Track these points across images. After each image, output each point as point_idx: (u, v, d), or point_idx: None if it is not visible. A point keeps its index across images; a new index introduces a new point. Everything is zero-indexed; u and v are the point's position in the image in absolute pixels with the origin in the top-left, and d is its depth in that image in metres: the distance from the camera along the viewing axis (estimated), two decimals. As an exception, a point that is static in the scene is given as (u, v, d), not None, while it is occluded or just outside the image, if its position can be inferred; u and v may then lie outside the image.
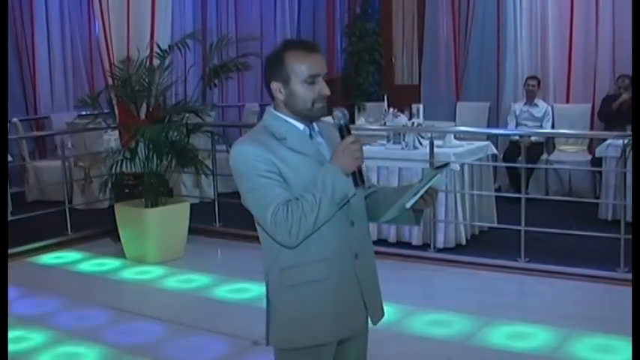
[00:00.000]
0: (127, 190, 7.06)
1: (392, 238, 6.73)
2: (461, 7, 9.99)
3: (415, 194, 2.40)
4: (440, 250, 6.52)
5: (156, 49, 6.90)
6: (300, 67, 2.37)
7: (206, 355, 4.66)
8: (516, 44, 9.27)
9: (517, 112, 8.78)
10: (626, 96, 8.03)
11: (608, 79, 8.81)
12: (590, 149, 8.45)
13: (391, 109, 7.54)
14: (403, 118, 7.27)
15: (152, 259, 6.62)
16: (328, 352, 2.47)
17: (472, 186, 6.80)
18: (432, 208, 6.01)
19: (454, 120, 9.43)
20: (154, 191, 6.68)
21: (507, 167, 8.25)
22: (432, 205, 2.50)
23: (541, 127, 8.61)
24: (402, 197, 2.42)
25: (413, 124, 7.01)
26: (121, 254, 6.84)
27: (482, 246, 6.63)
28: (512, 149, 8.34)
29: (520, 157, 6.84)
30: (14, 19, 9.74)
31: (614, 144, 6.94)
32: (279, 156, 2.34)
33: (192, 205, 7.10)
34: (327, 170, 2.31)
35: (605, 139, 7.35)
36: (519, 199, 6.35)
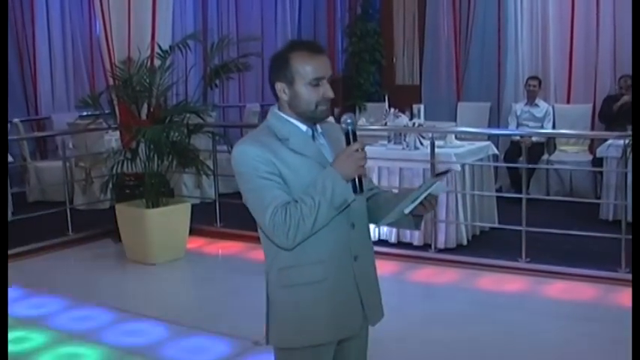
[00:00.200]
0: (127, 191, 7.06)
1: (393, 239, 6.73)
2: (462, 7, 9.99)
3: (414, 200, 2.41)
4: (441, 251, 6.52)
5: (157, 49, 6.90)
6: (305, 68, 2.36)
7: (207, 355, 4.66)
8: (517, 44, 9.27)
9: (518, 113, 8.78)
10: (626, 98, 8.01)
11: (609, 80, 8.81)
12: (591, 149, 8.45)
13: (392, 110, 7.54)
14: (404, 119, 7.27)
15: (153, 259, 6.61)
16: (327, 352, 2.48)
17: (473, 186, 6.80)
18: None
19: (455, 120, 9.43)
20: (155, 192, 6.69)
21: (508, 167, 8.25)
22: (431, 211, 2.51)
23: (542, 127, 8.60)
24: (402, 202, 2.42)
25: (414, 124, 7.01)
26: (121, 255, 6.84)
27: (483, 246, 6.63)
28: (513, 149, 8.34)
29: (521, 158, 6.83)
30: (15, 20, 9.75)
31: (615, 144, 6.93)
32: (280, 157, 2.34)
33: (193, 206, 7.10)
34: (328, 174, 2.31)
35: (606, 140, 7.35)
36: (520, 199, 6.35)
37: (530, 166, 7.42)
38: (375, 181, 6.53)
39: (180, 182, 8.41)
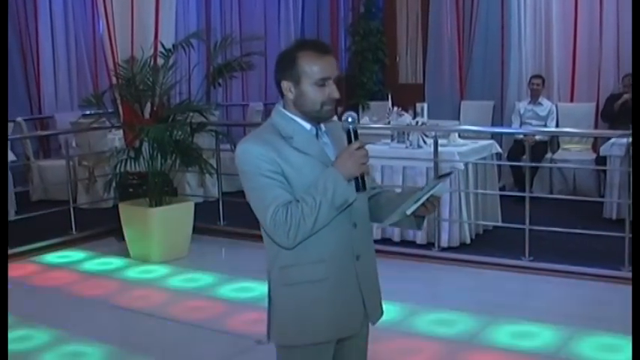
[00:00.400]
0: (131, 190, 7.07)
1: (396, 237, 6.72)
2: (465, 6, 9.97)
3: (417, 201, 2.42)
4: (444, 249, 6.52)
5: (160, 48, 6.90)
6: (312, 68, 2.37)
7: (210, 354, 4.66)
8: (520, 43, 9.25)
9: (521, 111, 8.77)
10: (627, 96, 8.00)
11: (613, 78, 8.80)
12: (595, 148, 8.44)
13: (395, 108, 7.52)
14: (407, 117, 7.26)
15: (156, 258, 6.62)
16: (327, 350, 2.49)
17: (476, 185, 6.79)
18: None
19: (458, 119, 9.41)
20: (158, 190, 6.69)
21: (512, 166, 8.24)
22: (433, 212, 2.52)
23: (545, 125, 8.59)
24: (404, 203, 2.43)
25: (417, 123, 7.00)
26: (125, 253, 6.85)
27: (487, 245, 6.62)
28: (516, 148, 8.33)
29: (524, 156, 6.83)
30: (18, 18, 9.75)
31: (619, 143, 6.92)
32: (283, 156, 2.35)
33: (196, 205, 7.11)
34: (330, 174, 2.32)
35: (609, 138, 7.33)
36: (524, 197, 6.35)
37: (533, 164, 7.41)
38: (378, 179, 6.54)
39: (183, 181, 8.42)
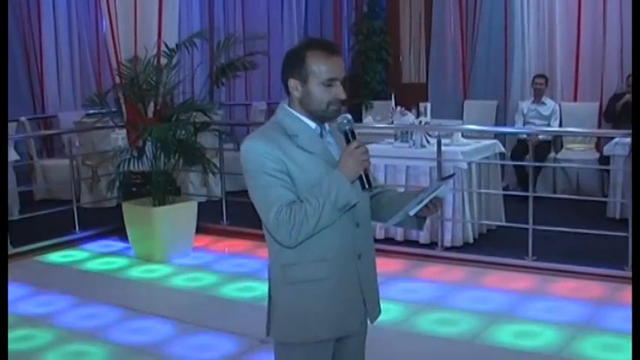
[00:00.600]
0: (134, 189, 7.08)
1: (399, 237, 6.73)
2: (468, 6, 9.97)
3: (420, 203, 2.43)
4: (447, 249, 6.52)
5: (163, 47, 6.91)
6: (320, 68, 2.37)
7: (213, 353, 4.66)
8: (524, 42, 9.25)
9: (525, 111, 8.76)
10: (628, 96, 7.99)
11: (616, 78, 8.79)
12: (598, 147, 8.43)
13: (398, 108, 7.52)
14: (410, 117, 7.26)
15: (160, 257, 6.63)
16: (326, 348, 2.50)
17: (480, 184, 6.79)
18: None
19: (462, 118, 9.41)
20: (162, 190, 6.70)
21: (515, 165, 8.24)
22: (435, 213, 2.53)
23: (549, 125, 8.58)
24: (407, 205, 2.45)
25: (420, 122, 7.00)
26: (128, 253, 6.86)
27: (490, 244, 6.62)
28: (519, 147, 8.33)
29: (528, 156, 6.82)
30: (22, 18, 9.76)
31: (622, 142, 6.92)
32: (288, 154, 2.35)
33: (199, 204, 7.12)
34: (333, 177, 2.33)
35: (612, 138, 7.33)
36: (527, 197, 6.34)
37: (536, 164, 7.40)
38: (381, 179, 6.56)
39: (186, 180, 8.42)
